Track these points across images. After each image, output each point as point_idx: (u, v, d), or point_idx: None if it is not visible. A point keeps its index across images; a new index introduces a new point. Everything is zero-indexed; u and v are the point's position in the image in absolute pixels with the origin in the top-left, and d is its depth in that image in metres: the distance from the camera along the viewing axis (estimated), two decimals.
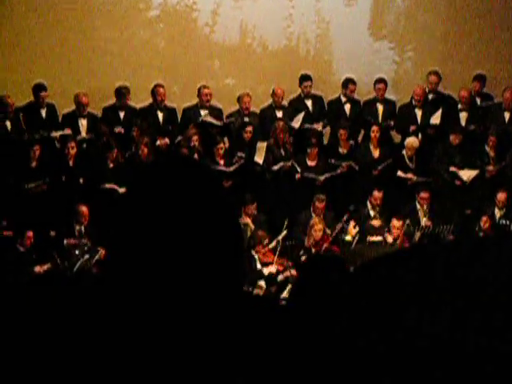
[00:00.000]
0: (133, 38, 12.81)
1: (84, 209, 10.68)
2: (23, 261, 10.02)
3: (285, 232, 10.93)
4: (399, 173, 11.89)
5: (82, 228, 10.67)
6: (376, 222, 10.28)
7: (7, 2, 12.61)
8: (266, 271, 10.45)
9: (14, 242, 10.23)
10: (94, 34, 12.64)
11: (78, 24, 12.55)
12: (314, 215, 11.25)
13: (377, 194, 11.43)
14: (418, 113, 12.69)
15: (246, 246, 10.64)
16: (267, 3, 13.02)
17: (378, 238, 10.09)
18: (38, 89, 12.00)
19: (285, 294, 9.93)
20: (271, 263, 10.53)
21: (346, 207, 11.55)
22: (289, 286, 10.17)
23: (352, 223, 10.48)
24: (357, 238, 10.79)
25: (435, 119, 12.51)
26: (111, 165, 11.44)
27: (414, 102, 12.73)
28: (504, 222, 11.31)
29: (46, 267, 9.98)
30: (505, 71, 13.44)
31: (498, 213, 11.46)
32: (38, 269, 9.95)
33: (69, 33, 12.50)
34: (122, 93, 12.17)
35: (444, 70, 13.05)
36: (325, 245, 10.80)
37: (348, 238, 10.16)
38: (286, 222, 10.96)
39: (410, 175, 11.87)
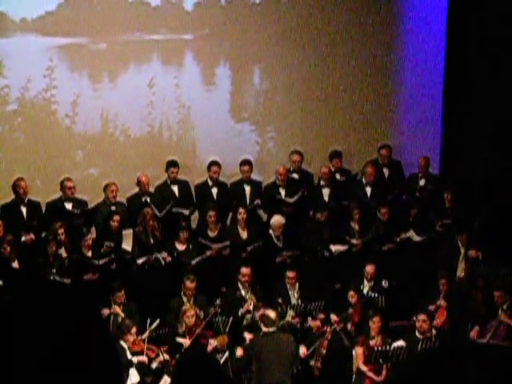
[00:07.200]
0: None
1: None
2: None
3: (157, 321, 10.75)
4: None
5: None
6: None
7: None
8: (135, 360, 10.22)
9: None
10: None
11: None
12: (185, 300, 11.11)
13: (244, 270, 11.36)
14: (282, 192, 12.86)
15: (115, 336, 10.39)
16: (127, 91, 12.98)
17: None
18: None
19: None
20: (141, 352, 10.31)
21: (217, 290, 11.48)
22: (164, 378, 9.91)
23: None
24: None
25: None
26: None
27: (277, 182, 12.90)
28: (372, 294, 11.45)
29: None
30: (360, 147, 13.81)
31: (366, 285, 11.61)
32: None
33: None
34: None
35: (304, 148, 13.31)
36: (197, 330, 10.65)
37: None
38: (156, 321, 10.78)
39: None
